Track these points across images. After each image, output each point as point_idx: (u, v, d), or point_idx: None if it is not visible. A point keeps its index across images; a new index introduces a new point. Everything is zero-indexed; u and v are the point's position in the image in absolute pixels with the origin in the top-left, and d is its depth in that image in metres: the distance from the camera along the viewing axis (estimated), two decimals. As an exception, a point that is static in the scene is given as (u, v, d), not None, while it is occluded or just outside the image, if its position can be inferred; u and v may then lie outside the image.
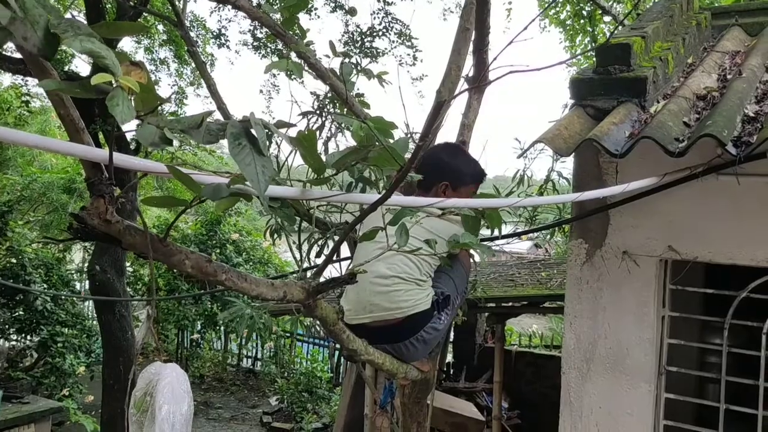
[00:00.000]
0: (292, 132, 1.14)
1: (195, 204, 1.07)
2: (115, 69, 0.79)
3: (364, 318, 2.53)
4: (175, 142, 0.92)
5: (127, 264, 8.93)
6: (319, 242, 3.11)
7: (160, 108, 0.94)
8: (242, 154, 0.91)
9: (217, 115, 4.05)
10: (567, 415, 2.80)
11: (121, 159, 1.02)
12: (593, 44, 9.19)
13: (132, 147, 7.10)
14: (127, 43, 11.40)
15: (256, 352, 11.70)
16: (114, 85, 0.80)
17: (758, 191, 2.37)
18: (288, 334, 10.51)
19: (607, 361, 2.70)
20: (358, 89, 3.45)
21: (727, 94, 2.46)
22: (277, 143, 3.71)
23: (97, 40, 0.79)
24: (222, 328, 11.01)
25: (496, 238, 3.37)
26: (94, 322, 8.95)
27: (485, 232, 3.33)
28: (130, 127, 0.98)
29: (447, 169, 2.66)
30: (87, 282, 8.75)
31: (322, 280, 1.54)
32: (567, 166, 4.28)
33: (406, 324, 2.48)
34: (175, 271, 9.91)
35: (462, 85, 3.26)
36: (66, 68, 7.66)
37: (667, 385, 2.69)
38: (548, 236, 5.56)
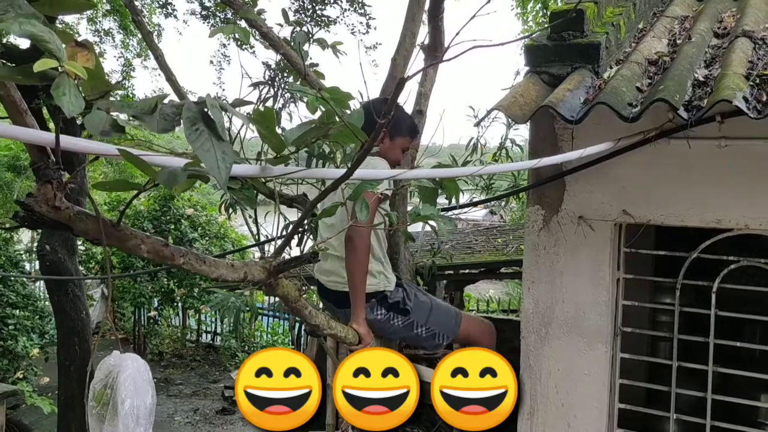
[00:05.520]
0: (249, 110, 1.10)
1: (149, 188, 1.02)
2: (59, 54, 0.73)
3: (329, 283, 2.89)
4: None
5: (79, 243, 8.68)
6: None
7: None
8: (200, 140, 0.86)
9: (171, 95, 3.93)
10: (527, 378, 2.86)
11: (68, 141, 0.97)
12: (545, 11, 9.22)
13: (79, 122, 6.85)
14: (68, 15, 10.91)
15: (216, 327, 11.60)
16: (59, 71, 0.74)
17: (707, 154, 2.43)
18: (247, 308, 10.43)
19: (565, 324, 2.76)
20: (311, 59, 3.39)
21: (678, 59, 2.49)
22: (228, 117, 3.62)
23: (38, 21, 0.73)
24: (180, 304, 10.86)
25: (455, 207, 3.40)
26: (47, 303, 8.70)
27: (442, 201, 3.35)
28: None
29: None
30: (37, 262, 8.49)
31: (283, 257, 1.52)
32: (520, 133, 4.31)
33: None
34: (128, 248, 9.68)
35: (417, 52, 3.23)
36: (5, 41, 7.28)
37: (622, 345, 2.77)
38: (503, 203, 5.62)
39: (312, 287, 3.11)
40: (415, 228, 4.99)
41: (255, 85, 3.83)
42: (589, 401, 2.74)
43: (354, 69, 3.25)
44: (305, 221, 3.33)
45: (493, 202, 5.43)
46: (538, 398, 2.84)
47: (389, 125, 2.71)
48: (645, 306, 3.01)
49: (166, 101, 0.88)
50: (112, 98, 0.85)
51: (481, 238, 5.84)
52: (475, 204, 4.00)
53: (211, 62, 9.15)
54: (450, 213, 3.77)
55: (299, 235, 3.24)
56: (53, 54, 0.74)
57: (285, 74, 3.78)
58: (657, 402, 2.83)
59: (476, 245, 5.55)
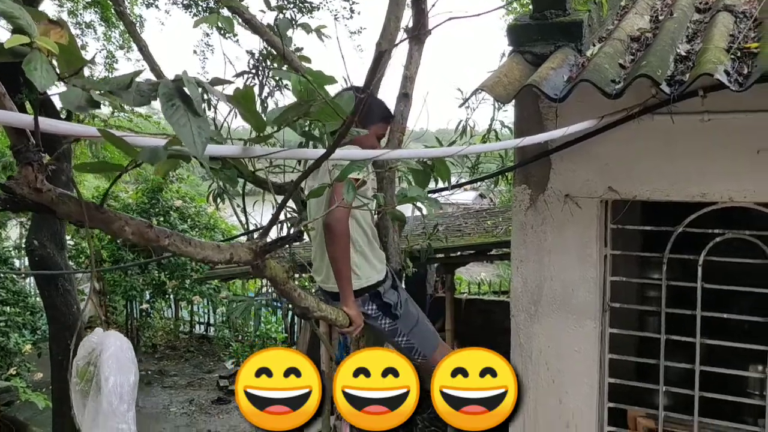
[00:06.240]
0: (229, 90, 1.10)
1: (131, 168, 1.02)
2: (30, 30, 0.73)
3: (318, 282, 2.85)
4: (107, 108, 0.88)
5: (68, 237, 8.63)
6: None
7: (88, 71, 0.89)
8: (176, 115, 0.86)
9: (149, 75, 3.91)
10: (518, 356, 2.89)
11: (47, 123, 0.96)
12: (529, -9, 9.19)
13: (63, 115, 6.79)
14: (49, 7, 10.78)
15: (208, 318, 11.60)
16: (32, 48, 0.74)
17: (690, 129, 2.44)
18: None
19: (554, 301, 2.78)
20: (295, 44, 3.37)
21: (660, 35, 2.50)
22: (213, 105, 3.61)
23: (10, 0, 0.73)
24: (172, 296, 10.85)
25: (442, 189, 3.40)
26: (38, 299, 8.67)
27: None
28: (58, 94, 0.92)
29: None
30: (26, 258, 8.44)
31: (269, 239, 1.52)
32: (509, 115, 4.33)
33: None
34: (118, 241, 9.65)
35: (402, 36, 3.22)
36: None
37: (611, 321, 2.79)
38: (492, 186, 5.64)
39: (305, 274, 3.12)
40: (405, 213, 4.99)
41: (239, 74, 3.82)
42: (579, 377, 2.77)
43: (340, 55, 3.25)
44: (295, 212, 3.35)
45: (481, 185, 5.45)
46: (530, 376, 2.86)
47: (361, 114, 2.72)
48: (633, 281, 3.03)
49: (141, 77, 0.89)
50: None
51: (471, 221, 5.86)
52: (461, 185, 4.01)
53: (195, 52, 9.07)
54: (438, 196, 3.78)
55: (288, 225, 3.25)
56: (24, 30, 0.74)
57: (269, 62, 3.76)
58: (647, 375, 2.86)
59: (466, 228, 5.57)
